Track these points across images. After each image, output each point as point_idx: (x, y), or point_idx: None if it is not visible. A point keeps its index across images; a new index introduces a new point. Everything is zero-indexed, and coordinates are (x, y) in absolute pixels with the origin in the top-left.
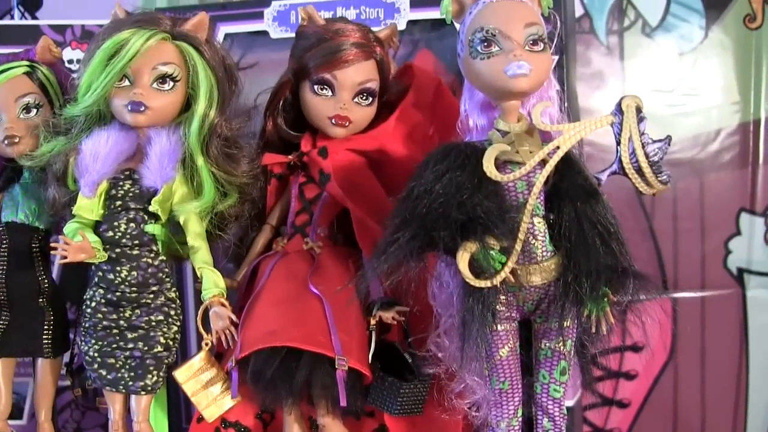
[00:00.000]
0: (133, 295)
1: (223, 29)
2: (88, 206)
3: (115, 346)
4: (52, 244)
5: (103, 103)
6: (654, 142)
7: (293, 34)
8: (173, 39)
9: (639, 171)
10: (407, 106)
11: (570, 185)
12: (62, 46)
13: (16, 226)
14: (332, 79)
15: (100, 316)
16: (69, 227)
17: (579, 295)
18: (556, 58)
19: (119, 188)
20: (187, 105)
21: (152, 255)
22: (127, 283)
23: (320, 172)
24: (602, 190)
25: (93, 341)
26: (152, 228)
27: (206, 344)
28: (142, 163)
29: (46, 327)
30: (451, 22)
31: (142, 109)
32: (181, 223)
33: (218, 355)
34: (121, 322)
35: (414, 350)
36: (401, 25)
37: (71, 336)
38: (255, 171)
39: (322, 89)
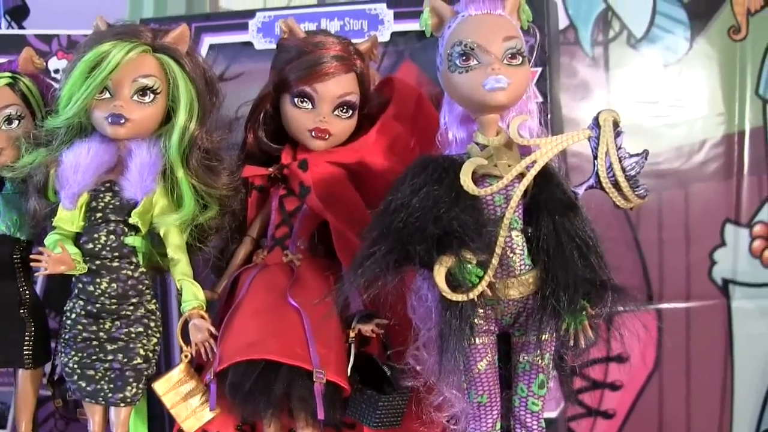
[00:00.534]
0: (113, 306)
1: (208, 40)
2: (69, 218)
3: (94, 357)
4: (31, 256)
5: (84, 115)
6: (631, 156)
7: None
8: (154, 51)
9: (616, 185)
10: (388, 119)
11: (548, 198)
12: (48, 56)
13: None
14: (312, 92)
15: (80, 327)
16: (49, 239)
17: (557, 308)
18: (540, 70)
19: (99, 200)
20: (168, 117)
21: (132, 267)
22: (106, 295)
23: (300, 185)
24: (581, 203)
25: (73, 353)
26: (132, 240)
27: (185, 356)
28: (123, 175)
29: (27, 338)
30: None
31: (122, 121)
32: (162, 235)
33: (200, 367)
34: (101, 333)
35: (393, 363)
36: (385, 37)
37: (53, 346)
38: (235, 183)
39: (302, 102)
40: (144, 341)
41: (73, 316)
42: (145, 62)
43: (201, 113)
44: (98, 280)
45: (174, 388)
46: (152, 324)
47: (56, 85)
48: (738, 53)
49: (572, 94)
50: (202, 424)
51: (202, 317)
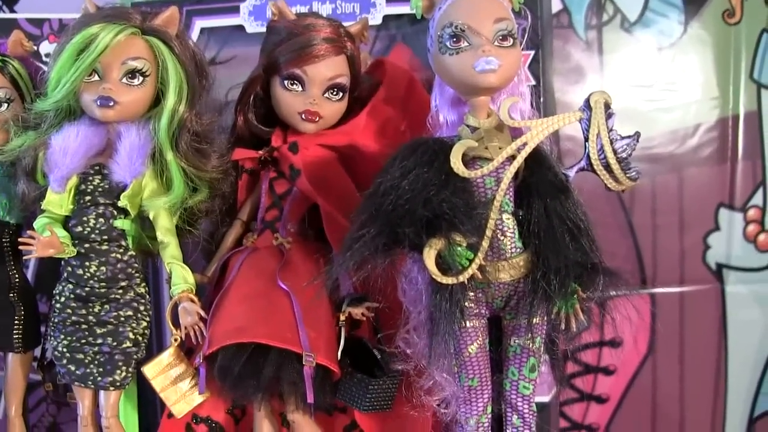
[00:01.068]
0: (102, 290)
1: (199, 23)
2: (58, 201)
3: (84, 341)
4: (20, 239)
5: (73, 97)
6: (622, 138)
7: None
8: (143, 34)
9: (607, 167)
10: (379, 102)
11: (539, 181)
12: (40, 40)
13: None
14: (302, 75)
15: (69, 311)
16: (38, 222)
17: (548, 291)
18: (532, 53)
19: (89, 183)
20: (158, 100)
21: (121, 250)
22: (96, 279)
23: (290, 168)
24: (573, 186)
25: (62, 336)
26: (121, 223)
27: (175, 340)
28: (112, 158)
29: (16, 322)
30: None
31: (111, 104)
32: (151, 218)
33: (190, 350)
34: (90, 317)
35: (383, 346)
36: (377, 20)
37: (43, 330)
38: (225, 166)
39: (292, 84)
40: (133, 325)
41: (62, 299)
42: (134, 44)
43: (190, 96)
44: (87, 263)
45: (163, 372)
46: (142, 307)
47: (45, 68)
48: (732, 37)
49: (566, 78)
50: (191, 408)
51: (192, 300)
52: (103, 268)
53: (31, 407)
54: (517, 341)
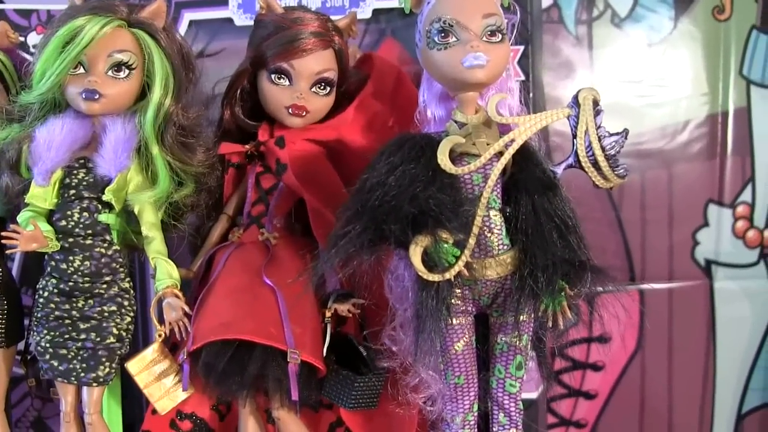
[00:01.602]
0: (86, 285)
1: (188, 16)
2: (42, 195)
3: (67, 336)
4: (3, 233)
5: (58, 90)
6: (611, 135)
7: None
8: (129, 26)
9: (595, 164)
10: (366, 96)
11: (527, 178)
12: (28, 31)
13: None
14: (289, 69)
15: (52, 306)
16: (22, 216)
17: (535, 289)
18: (522, 48)
19: (73, 177)
20: (144, 93)
21: (106, 245)
22: (79, 273)
23: (277, 162)
24: (561, 182)
25: (45, 331)
26: (106, 217)
27: (159, 335)
28: (97, 151)
29: None
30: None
31: (97, 96)
32: (136, 212)
33: (175, 346)
34: (74, 312)
35: (369, 343)
36: (366, 14)
37: (26, 324)
38: (211, 160)
39: (279, 78)
40: (117, 320)
41: (46, 294)
42: (121, 37)
43: (177, 89)
44: (71, 257)
45: (147, 368)
46: (126, 303)
47: (31, 60)
48: (722, 33)
49: (556, 73)
50: (175, 404)
51: (176, 296)
52: (87, 262)
53: (16, 402)
54: (504, 339)
